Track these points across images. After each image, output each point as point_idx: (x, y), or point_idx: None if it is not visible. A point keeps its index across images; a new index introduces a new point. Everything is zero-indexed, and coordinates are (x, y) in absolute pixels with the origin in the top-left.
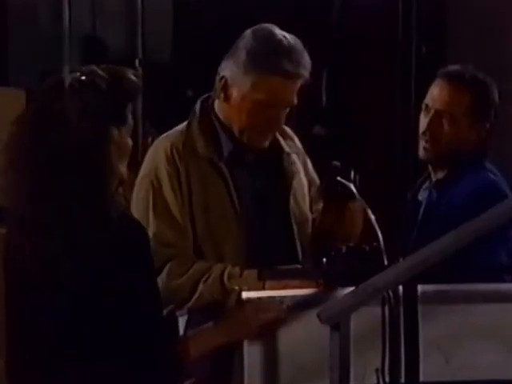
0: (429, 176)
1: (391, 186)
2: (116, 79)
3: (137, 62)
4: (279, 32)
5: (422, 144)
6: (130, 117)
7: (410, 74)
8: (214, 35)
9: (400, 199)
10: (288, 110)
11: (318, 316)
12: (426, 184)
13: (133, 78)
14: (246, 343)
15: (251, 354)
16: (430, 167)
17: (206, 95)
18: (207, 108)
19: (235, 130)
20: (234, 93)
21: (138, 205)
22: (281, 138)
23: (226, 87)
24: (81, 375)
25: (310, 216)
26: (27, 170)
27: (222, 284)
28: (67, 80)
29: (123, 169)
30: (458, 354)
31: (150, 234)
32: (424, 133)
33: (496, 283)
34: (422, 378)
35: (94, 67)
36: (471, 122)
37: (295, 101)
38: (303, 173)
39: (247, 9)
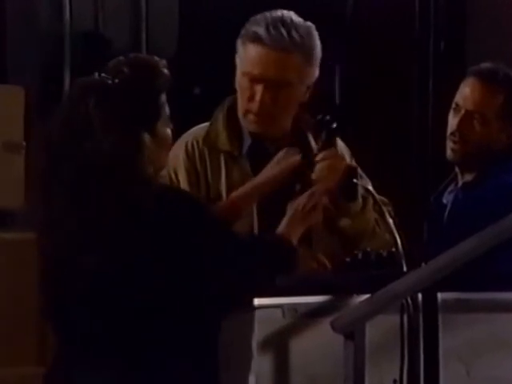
0: (454, 178)
1: (412, 189)
2: (144, 77)
3: None
4: (283, 11)
5: (449, 145)
6: (165, 107)
7: (427, 71)
8: (221, 31)
9: (421, 203)
10: (292, 96)
11: (332, 324)
12: (451, 187)
13: (162, 70)
14: (255, 353)
15: (262, 364)
16: (456, 169)
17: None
18: (236, 104)
19: (240, 116)
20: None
21: None
22: (311, 138)
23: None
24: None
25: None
26: (58, 180)
27: None
28: (93, 85)
29: (161, 163)
30: (479, 365)
31: None
32: (453, 133)
33: None
34: None
35: (122, 63)
36: (502, 122)
37: (284, 77)
38: None
39: (255, 4)
